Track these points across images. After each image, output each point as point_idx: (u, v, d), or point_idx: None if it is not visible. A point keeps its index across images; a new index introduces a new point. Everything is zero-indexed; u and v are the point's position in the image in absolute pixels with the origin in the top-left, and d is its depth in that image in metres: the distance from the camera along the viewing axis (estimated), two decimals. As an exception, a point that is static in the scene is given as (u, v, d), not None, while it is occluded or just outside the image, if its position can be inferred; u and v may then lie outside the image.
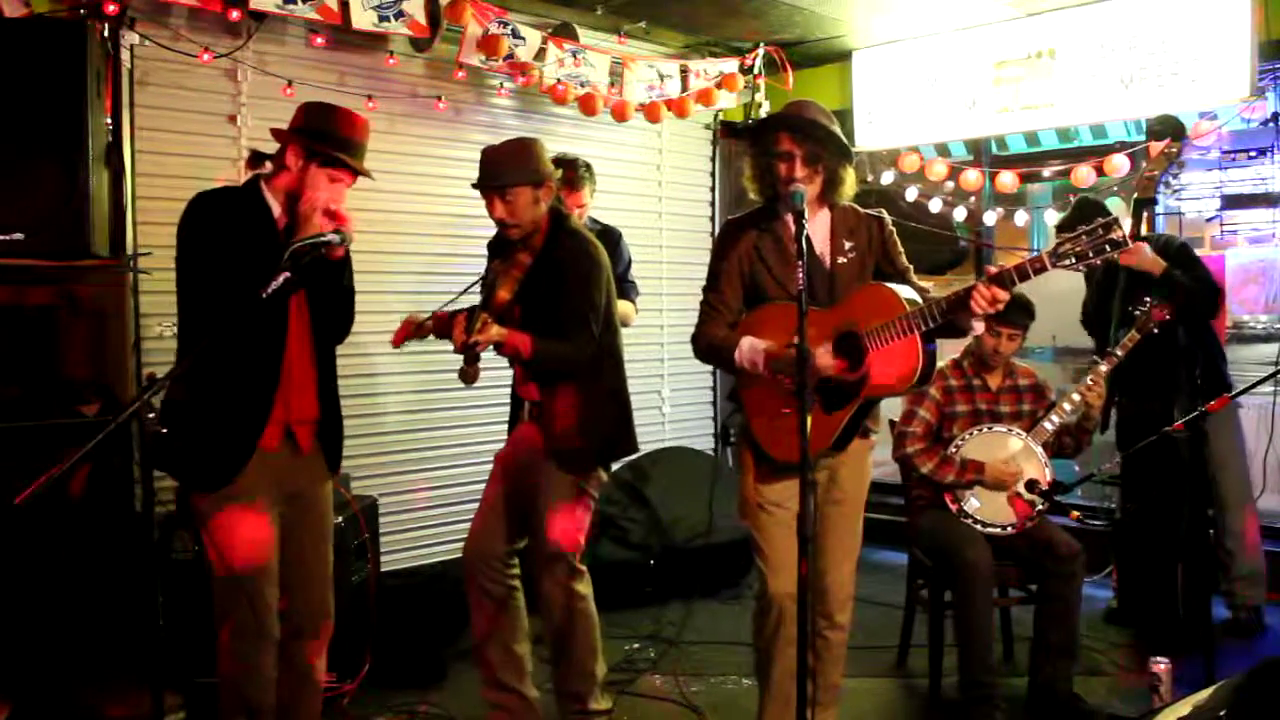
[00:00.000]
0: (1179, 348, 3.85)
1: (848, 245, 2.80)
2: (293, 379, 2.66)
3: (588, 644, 3.17)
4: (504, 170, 2.96)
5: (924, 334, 2.58)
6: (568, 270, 3.00)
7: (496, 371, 3.33)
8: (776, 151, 2.72)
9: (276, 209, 2.64)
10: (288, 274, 2.36)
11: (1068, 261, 2.43)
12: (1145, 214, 3.91)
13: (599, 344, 3.05)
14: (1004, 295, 2.51)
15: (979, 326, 2.62)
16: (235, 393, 2.59)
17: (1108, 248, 2.38)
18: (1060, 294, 4.76)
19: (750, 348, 2.70)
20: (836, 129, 2.78)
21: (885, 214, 2.89)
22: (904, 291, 2.65)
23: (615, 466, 5.06)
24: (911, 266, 2.85)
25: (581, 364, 3.01)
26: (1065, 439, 3.64)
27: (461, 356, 2.92)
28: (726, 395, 3.04)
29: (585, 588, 3.17)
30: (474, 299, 3.27)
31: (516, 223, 2.99)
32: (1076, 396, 3.57)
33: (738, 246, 2.82)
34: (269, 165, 2.69)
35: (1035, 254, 2.49)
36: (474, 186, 3.05)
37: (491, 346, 2.94)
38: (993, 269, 2.52)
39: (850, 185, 2.81)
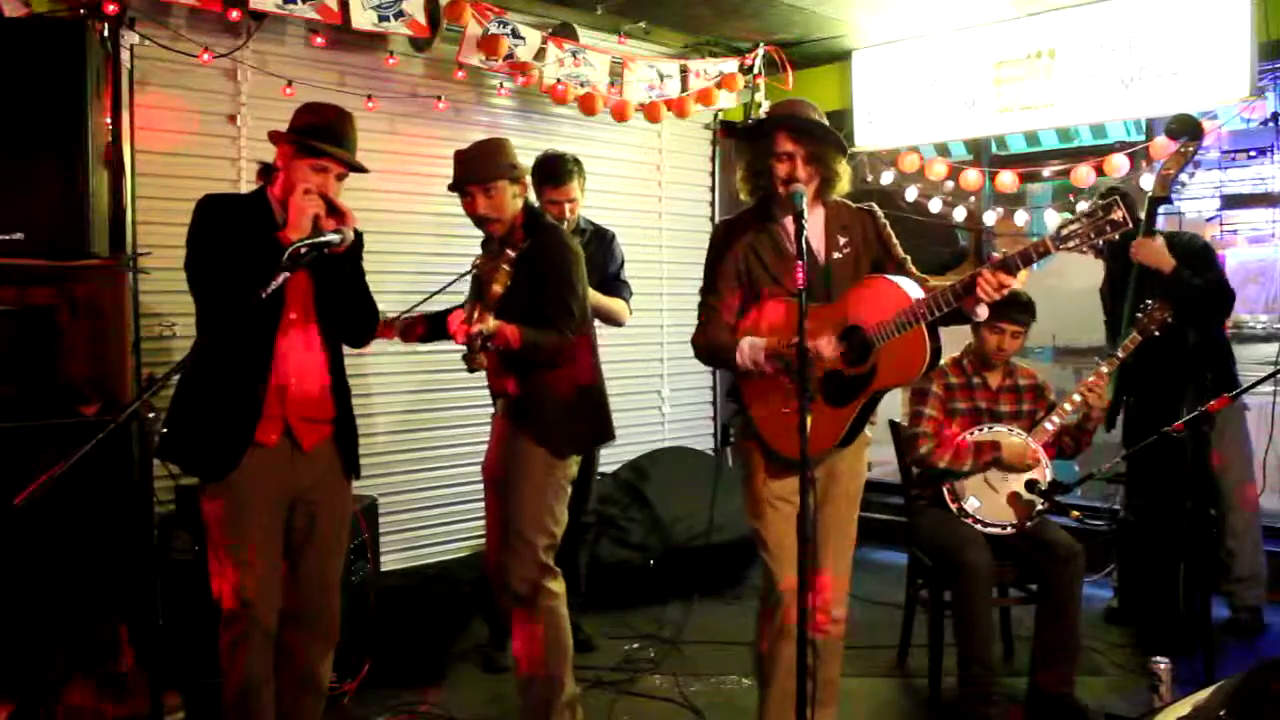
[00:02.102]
0: (1188, 347, 3.84)
1: (842, 241, 2.80)
2: (292, 375, 2.67)
3: (556, 649, 3.06)
4: (485, 165, 3.00)
5: (930, 323, 2.59)
6: (551, 261, 3.03)
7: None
8: (776, 152, 2.71)
9: (279, 214, 2.65)
10: (286, 275, 2.37)
11: (1071, 244, 2.43)
12: (1154, 213, 3.90)
13: (581, 331, 3.08)
14: (1009, 280, 2.49)
15: (983, 312, 2.62)
16: (231, 386, 2.61)
17: (1109, 228, 2.39)
18: (1060, 294, 4.78)
19: (751, 347, 2.69)
20: (828, 125, 2.78)
21: (875, 206, 2.89)
22: (905, 283, 2.65)
23: (614, 467, 5.10)
24: (909, 257, 2.86)
25: (568, 351, 3.03)
26: (1065, 440, 3.63)
27: (466, 348, 2.91)
28: (726, 393, 3.04)
29: (557, 585, 3.08)
30: (453, 298, 3.30)
31: (499, 217, 3.02)
32: (1077, 397, 3.57)
33: (733, 247, 2.82)
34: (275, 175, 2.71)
35: (1039, 239, 2.48)
36: (451, 187, 3.07)
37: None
38: (997, 255, 2.52)
39: (845, 181, 2.81)
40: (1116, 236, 2.44)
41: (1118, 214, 2.37)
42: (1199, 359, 3.87)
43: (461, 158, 3.05)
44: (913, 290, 2.62)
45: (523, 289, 2.99)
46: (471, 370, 2.95)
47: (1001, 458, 3.49)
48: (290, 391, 2.67)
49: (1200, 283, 3.78)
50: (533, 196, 3.44)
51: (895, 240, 2.86)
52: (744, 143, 2.90)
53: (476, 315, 2.86)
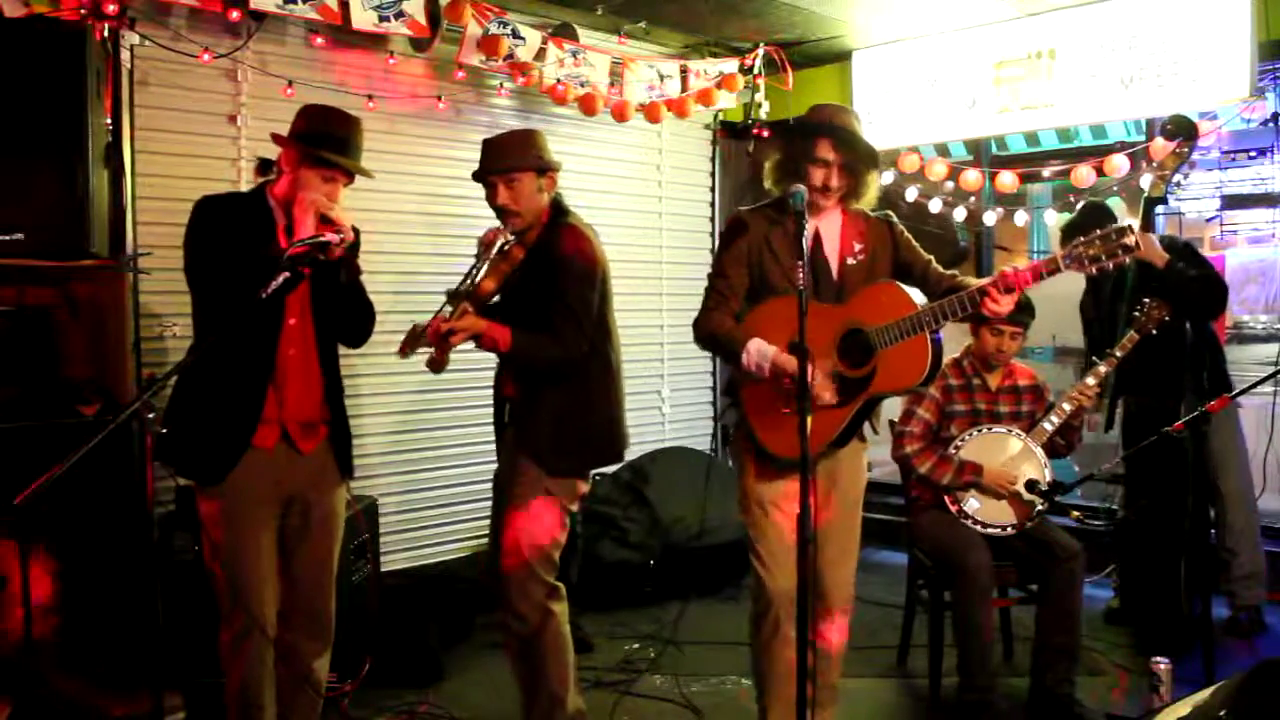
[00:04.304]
0: (1186, 346, 3.85)
1: (857, 248, 2.81)
2: (290, 380, 2.67)
3: (559, 670, 2.97)
4: (508, 155, 2.90)
5: (933, 332, 2.60)
6: (560, 265, 2.87)
7: (494, 371, 3.30)
8: (815, 157, 2.72)
9: (279, 214, 2.65)
10: (286, 274, 2.37)
11: (1080, 264, 2.47)
12: (1151, 213, 3.91)
13: (590, 346, 2.91)
14: (1016, 297, 2.55)
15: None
16: (229, 391, 2.61)
17: (1120, 252, 2.43)
18: (1060, 294, 4.75)
19: (759, 351, 2.69)
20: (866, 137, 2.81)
21: (893, 215, 2.90)
22: (913, 291, 2.68)
23: (614, 467, 5.09)
24: (932, 257, 2.87)
25: (568, 363, 2.88)
26: (1057, 439, 3.63)
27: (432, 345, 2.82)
28: (723, 390, 3.03)
29: (560, 605, 2.97)
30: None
31: (518, 210, 2.90)
32: (1076, 396, 3.59)
33: (748, 236, 2.83)
34: (277, 174, 2.72)
35: (1048, 255, 2.52)
36: (475, 176, 2.97)
37: (471, 338, 2.81)
38: (1007, 270, 2.54)
39: (873, 194, 2.83)
40: (1126, 260, 2.47)
41: (1130, 239, 2.41)
42: (1197, 358, 3.88)
43: (488, 146, 2.94)
44: (919, 299, 2.65)
45: (531, 291, 2.89)
46: (433, 370, 2.85)
47: (981, 482, 3.50)
48: (289, 396, 2.67)
49: (1196, 274, 3.78)
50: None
51: (915, 243, 2.88)
52: (782, 139, 2.88)
53: (458, 313, 2.77)
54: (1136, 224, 3.84)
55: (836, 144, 2.72)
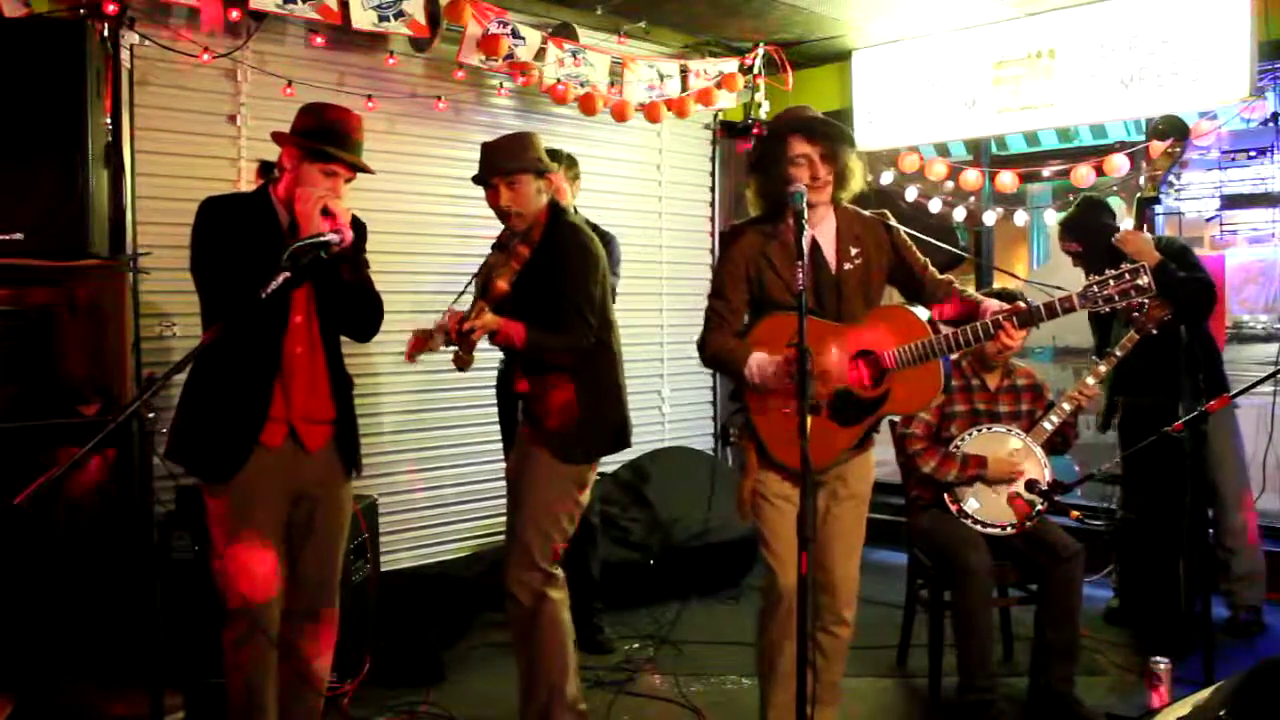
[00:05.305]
0: (1182, 346, 3.85)
1: (853, 251, 2.80)
2: (297, 378, 2.67)
3: (557, 657, 3.02)
4: (510, 158, 2.98)
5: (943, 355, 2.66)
6: (564, 262, 2.97)
7: (495, 371, 3.30)
8: (792, 157, 2.69)
9: (283, 214, 2.65)
10: (287, 274, 2.37)
11: (1096, 304, 2.56)
12: (1146, 213, 3.92)
13: (595, 337, 3.00)
14: (1026, 333, 2.64)
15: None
16: (236, 389, 2.62)
17: (1133, 293, 2.51)
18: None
19: (759, 365, 2.70)
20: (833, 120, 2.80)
21: (889, 214, 2.89)
22: (921, 313, 2.71)
23: (614, 467, 5.10)
24: (929, 260, 2.88)
25: (576, 354, 2.97)
26: (1054, 437, 3.64)
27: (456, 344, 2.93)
28: (729, 395, 3.03)
29: (558, 593, 3.04)
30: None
31: (520, 210, 2.99)
32: (1076, 395, 3.59)
33: (744, 251, 2.81)
34: (278, 174, 2.71)
35: (1065, 295, 2.59)
36: (475, 179, 3.05)
37: (486, 335, 2.91)
38: (1021, 305, 2.61)
39: (859, 177, 2.81)
40: (1142, 302, 2.55)
41: (1144, 279, 2.50)
42: (1192, 358, 3.88)
43: (488, 150, 3.03)
44: (925, 317, 2.70)
45: (537, 288, 2.97)
46: (460, 368, 2.95)
47: (986, 475, 3.51)
48: (295, 394, 2.67)
49: (1185, 276, 3.79)
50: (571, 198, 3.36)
51: (913, 246, 2.88)
52: (757, 166, 2.85)
53: (476, 312, 2.85)
54: (1131, 224, 3.86)
55: (807, 137, 2.70)
